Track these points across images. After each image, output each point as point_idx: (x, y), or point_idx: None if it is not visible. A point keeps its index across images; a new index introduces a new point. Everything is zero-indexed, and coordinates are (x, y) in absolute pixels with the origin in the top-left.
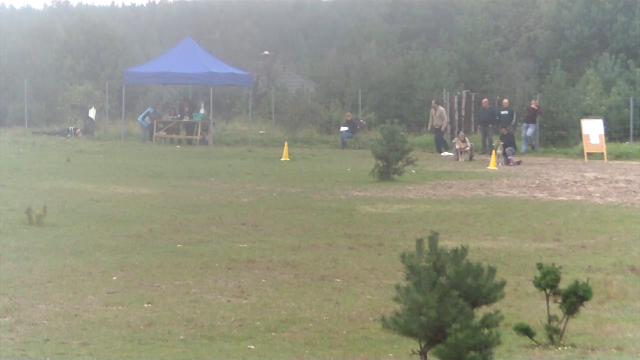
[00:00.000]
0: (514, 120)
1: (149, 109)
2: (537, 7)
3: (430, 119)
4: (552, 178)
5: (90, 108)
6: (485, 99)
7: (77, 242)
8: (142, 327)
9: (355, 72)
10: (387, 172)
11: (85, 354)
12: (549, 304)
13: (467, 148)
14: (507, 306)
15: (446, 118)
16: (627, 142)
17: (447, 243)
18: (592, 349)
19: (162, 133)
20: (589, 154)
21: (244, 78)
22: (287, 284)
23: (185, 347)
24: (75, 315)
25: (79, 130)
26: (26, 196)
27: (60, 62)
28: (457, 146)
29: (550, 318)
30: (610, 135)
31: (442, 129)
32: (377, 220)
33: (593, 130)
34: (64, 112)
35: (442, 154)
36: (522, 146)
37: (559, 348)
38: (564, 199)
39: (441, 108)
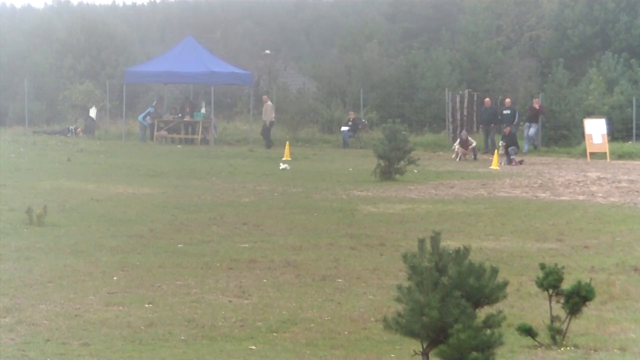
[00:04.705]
0: (516, 120)
1: (150, 109)
2: (539, 6)
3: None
4: (554, 178)
5: (91, 107)
6: (487, 99)
7: (77, 242)
8: (143, 328)
9: (357, 72)
10: (389, 171)
11: (85, 355)
12: (552, 305)
13: (470, 147)
14: (510, 306)
15: (270, 114)
16: (630, 142)
17: (449, 243)
18: (595, 350)
19: (163, 132)
20: (591, 153)
21: (245, 77)
22: (288, 284)
23: (186, 348)
24: (76, 315)
25: (79, 129)
26: (26, 196)
27: (61, 61)
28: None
29: (553, 318)
30: (613, 134)
31: (267, 124)
32: (379, 220)
33: (596, 129)
34: (64, 111)
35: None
36: (525, 146)
37: (562, 349)
38: (567, 198)
39: (269, 103)
